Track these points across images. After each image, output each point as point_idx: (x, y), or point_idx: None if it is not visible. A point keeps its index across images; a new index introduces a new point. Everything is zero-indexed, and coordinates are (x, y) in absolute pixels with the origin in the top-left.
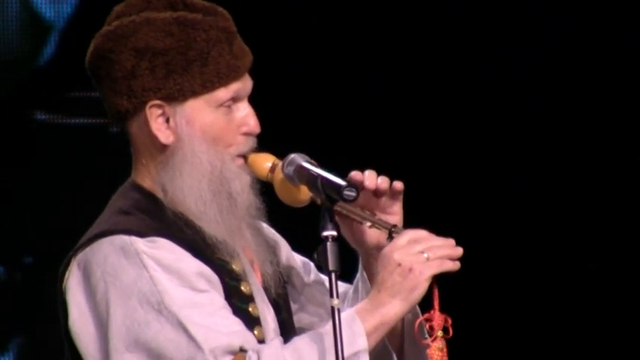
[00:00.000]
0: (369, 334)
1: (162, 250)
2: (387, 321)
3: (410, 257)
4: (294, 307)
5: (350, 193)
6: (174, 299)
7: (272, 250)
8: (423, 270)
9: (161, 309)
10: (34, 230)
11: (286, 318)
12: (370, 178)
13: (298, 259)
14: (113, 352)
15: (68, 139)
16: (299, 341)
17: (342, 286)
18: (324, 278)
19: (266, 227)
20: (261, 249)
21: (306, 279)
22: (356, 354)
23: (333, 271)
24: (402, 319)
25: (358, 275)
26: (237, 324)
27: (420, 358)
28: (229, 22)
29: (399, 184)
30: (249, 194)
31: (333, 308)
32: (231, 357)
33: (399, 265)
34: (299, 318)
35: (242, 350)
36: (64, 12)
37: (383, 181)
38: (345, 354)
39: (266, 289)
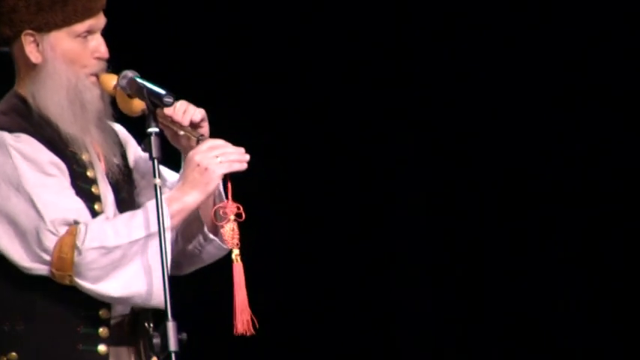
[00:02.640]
0: (172, 216)
1: (24, 144)
2: (187, 207)
3: (207, 159)
4: (137, 189)
5: (168, 100)
6: (29, 181)
7: (118, 145)
8: (215, 169)
9: (19, 188)
10: None
11: (125, 197)
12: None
13: (144, 155)
14: None
15: None
16: (119, 217)
17: (174, 176)
18: (163, 170)
19: (120, 130)
20: (106, 144)
21: (147, 169)
22: (165, 230)
23: (155, 157)
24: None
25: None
26: (76, 202)
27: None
28: None
29: (201, 111)
30: (98, 103)
31: (155, 186)
32: (67, 227)
33: (198, 165)
34: (139, 198)
35: (76, 222)
36: None
37: (200, 112)
38: (152, 230)
39: (108, 175)
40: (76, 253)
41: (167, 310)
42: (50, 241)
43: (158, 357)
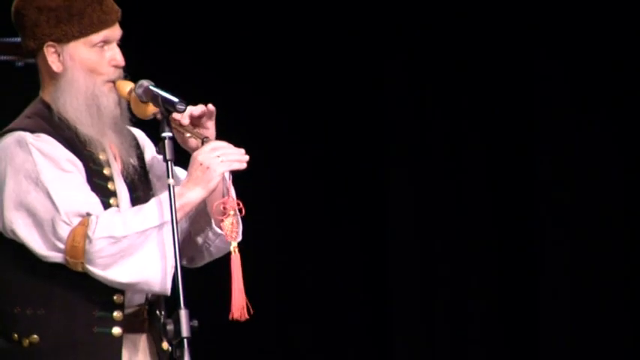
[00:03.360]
0: (177, 210)
1: (43, 142)
2: (191, 202)
3: (209, 159)
4: (153, 190)
5: (181, 107)
6: (47, 176)
7: (135, 148)
8: (216, 168)
9: (37, 182)
10: None
11: (141, 196)
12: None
13: (160, 158)
14: (6, 209)
15: None
16: (128, 210)
17: (184, 174)
18: (176, 170)
19: (139, 134)
20: (123, 145)
21: (162, 170)
22: (166, 222)
23: (169, 159)
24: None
25: None
26: (90, 196)
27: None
28: None
29: (211, 107)
30: (115, 108)
31: (169, 185)
32: (80, 219)
33: (201, 164)
34: (155, 196)
35: (88, 214)
36: None
37: (199, 107)
38: (158, 223)
39: (124, 174)
40: (87, 242)
41: (180, 298)
42: (64, 231)
43: (171, 342)
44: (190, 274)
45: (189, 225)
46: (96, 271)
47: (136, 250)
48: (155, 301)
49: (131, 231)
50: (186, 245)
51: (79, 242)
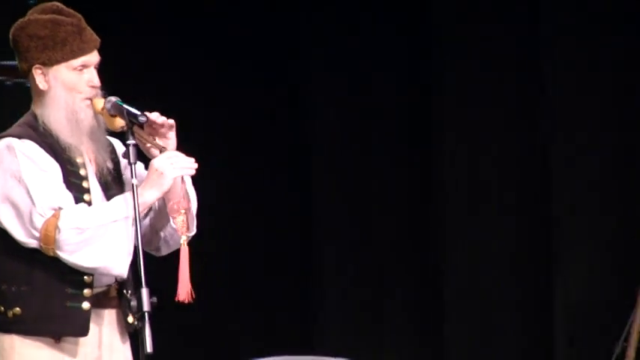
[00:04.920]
0: (134, 208)
1: (27, 147)
2: (147, 201)
3: (163, 165)
4: (125, 188)
5: (142, 118)
6: (28, 175)
7: (111, 154)
8: (168, 173)
9: (20, 180)
10: None
11: (114, 193)
12: (154, 115)
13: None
14: None
15: None
16: (97, 205)
17: None
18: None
19: (117, 144)
20: (99, 152)
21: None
22: (126, 217)
23: (133, 163)
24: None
25: None
26: (63, 193)
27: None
28: (81, 22)
29: (171, 121)
30: (91, 121)
31: (132, 185)
32: (53, 212)
33: (156, 170)
34: None
35: (60, 208)
36: None
37: (160, 117)
38: (117, 218)
39: (97, 175)
40: (57, 231)
41: (142, 279)
42: (39, 222)
43: (134, 316)
44: (155, 262)
45: (155, 221)
46: (64, 256)
47: (98, 239)
48: (125, 282)
49: (94, 223)
50: (153, 237)
51: (50, 231)
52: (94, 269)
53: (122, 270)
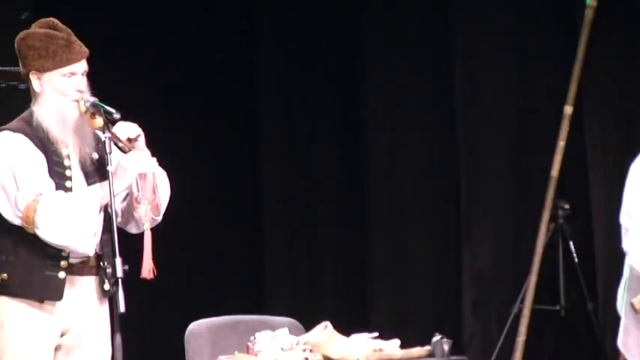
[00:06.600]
0: (102, 197)
1: (18, 139)
2: (115, 191)
3: (128, 163)
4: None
5: (116, 115)
6: (14, 163)
7: (95, 147)
8: (132, 170)
9: (10, 167)
10: None
11: (95, 181)
12: (127, 133)
13: (116, 156)
14: None
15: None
16: (71, 194)
17: None
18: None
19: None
20: (83, 146)
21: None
22: (94, 205)
23: (108, 153)
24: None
25: None
26: (45, 180)
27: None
28: (70, 36)
29: (139, 131)
30: (78, 119)
31: (107, 171)
32: (34, 196)
33: (122, 166)
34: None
35: (40, 194)
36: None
37: (132, 132)
38: (86, 205)
39: (81, 165)
40: (35, 213)
41: (116, 250)
42: (22, 204)
43: (109, 281)
44: (130, 238)
45: (130, 206)
46: (39, 234)
47: (68, 222)
48: (103, 254)
49: (66, 209)
50: (129, 218)
51: (30, 213)
52: (65, 246)
53: (87, 249)
